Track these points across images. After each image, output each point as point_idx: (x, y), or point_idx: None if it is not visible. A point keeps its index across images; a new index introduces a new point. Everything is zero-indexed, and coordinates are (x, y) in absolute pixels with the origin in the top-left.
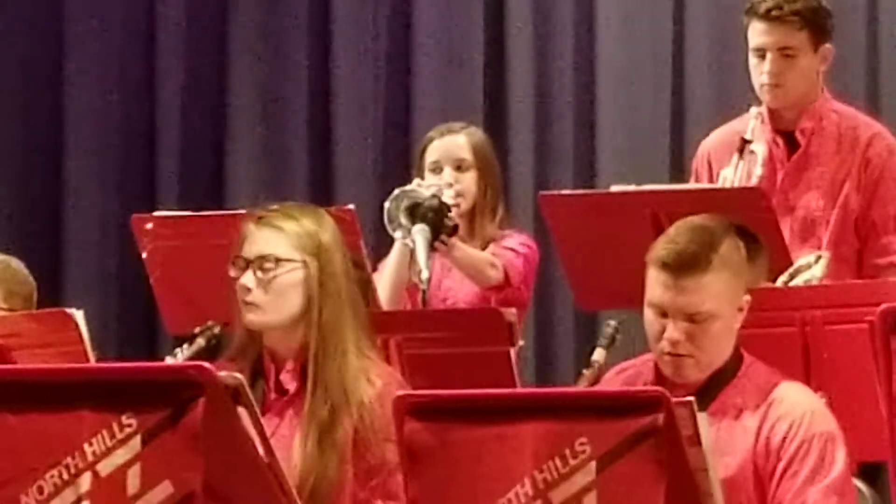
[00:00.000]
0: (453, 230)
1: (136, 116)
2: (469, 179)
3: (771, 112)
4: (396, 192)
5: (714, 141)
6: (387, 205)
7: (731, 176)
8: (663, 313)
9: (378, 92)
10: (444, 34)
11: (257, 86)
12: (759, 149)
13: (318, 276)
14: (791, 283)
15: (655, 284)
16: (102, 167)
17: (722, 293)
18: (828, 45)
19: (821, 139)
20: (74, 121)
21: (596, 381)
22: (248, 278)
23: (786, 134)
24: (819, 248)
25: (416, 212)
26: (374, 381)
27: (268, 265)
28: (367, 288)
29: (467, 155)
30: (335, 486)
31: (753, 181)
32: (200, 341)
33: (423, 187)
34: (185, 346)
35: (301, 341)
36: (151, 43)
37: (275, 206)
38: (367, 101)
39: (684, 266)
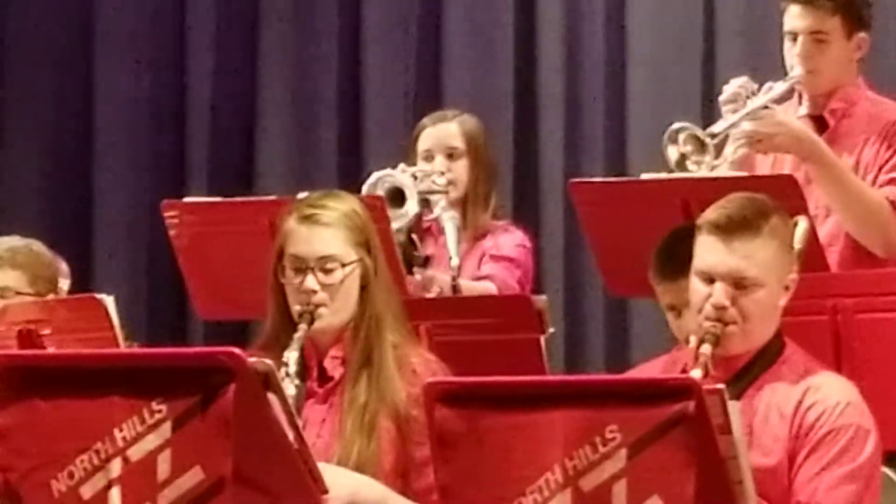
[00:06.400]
0: (425, 261)
1: (166, 102)
2: (461, 168)
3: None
4: (373, 178)
5: None
6: (365, 189)
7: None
8: (710, 279)
9: (408, 79)
10: (474, 23)
11: (288, 72)
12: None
13: (374, 270)
14: None
15: (704, 250)
16: (133, 153)
17: (770, 263)
18: (862, 35)
19: (851, 122)
20: (105, 107)
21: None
22: (311, 281)
23: (816, 117)
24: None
25: (397, 196)
26: (417, 374)
27: (331, 266)
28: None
29: (459, 143)
30: (373, 473)
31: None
32: (303, 326)
33: (407, 173)
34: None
35: (350, 329)
36: (182, 28)
37: (313, 200)
38: (398, 88)
39: (735, 228)
